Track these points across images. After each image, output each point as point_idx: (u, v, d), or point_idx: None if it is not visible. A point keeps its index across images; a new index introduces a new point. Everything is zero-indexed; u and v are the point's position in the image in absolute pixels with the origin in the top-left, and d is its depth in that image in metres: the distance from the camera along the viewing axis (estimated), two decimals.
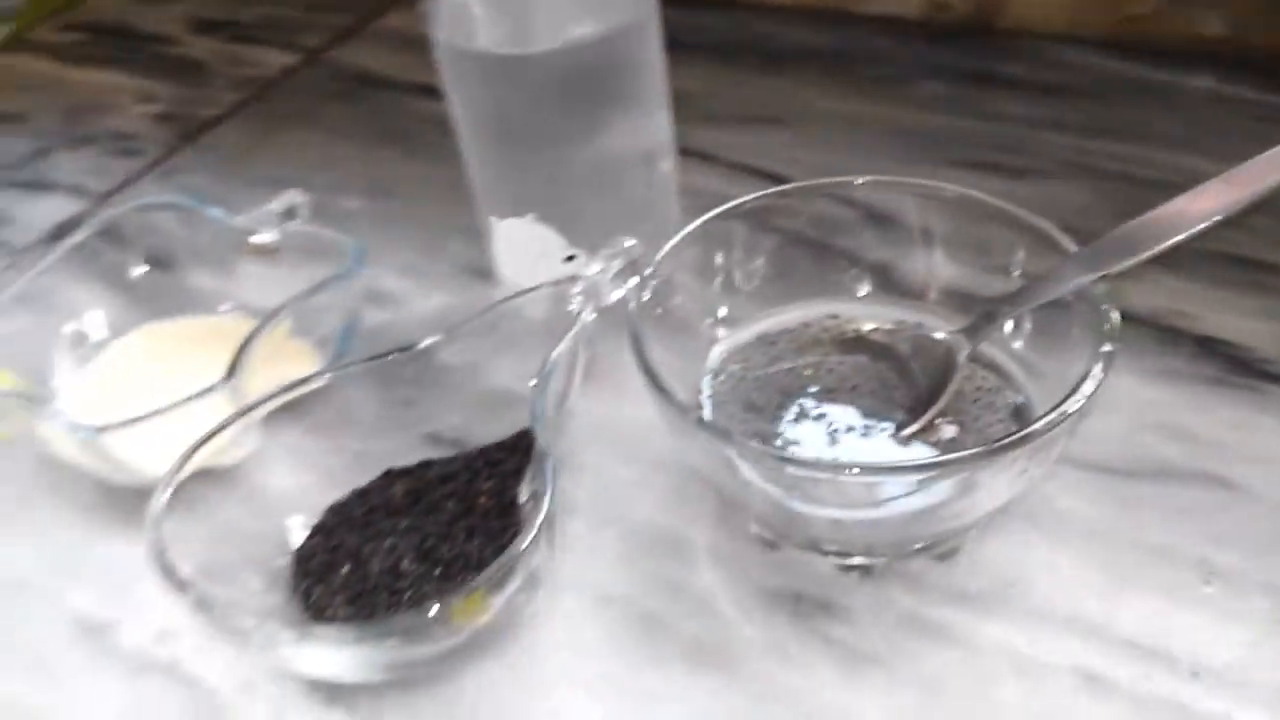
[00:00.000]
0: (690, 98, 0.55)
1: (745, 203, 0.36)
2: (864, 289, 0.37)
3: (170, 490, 0.30)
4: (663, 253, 0.34)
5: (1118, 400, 0.36)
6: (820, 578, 0.32)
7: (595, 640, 0.31)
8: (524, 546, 0.28)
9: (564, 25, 0.36)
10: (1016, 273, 0.33)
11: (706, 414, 0.33)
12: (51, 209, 0.53)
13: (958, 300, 0.35)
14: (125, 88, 0.64)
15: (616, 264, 0.36)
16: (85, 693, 0.31)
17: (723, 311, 0.36)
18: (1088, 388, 0.27)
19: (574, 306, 0.35)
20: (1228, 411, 0.35)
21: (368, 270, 0.45)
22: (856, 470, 0.28)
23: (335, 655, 0.28)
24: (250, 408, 0.33)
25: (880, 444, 0.32)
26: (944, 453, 0.31)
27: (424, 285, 0.45)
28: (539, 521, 0.28)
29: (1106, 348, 0.28)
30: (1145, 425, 0.35)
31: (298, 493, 0.34)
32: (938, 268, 0.35)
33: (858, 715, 0.28)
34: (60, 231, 0.51)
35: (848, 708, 0.29)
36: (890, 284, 0.36)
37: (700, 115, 0.54)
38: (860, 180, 0.36)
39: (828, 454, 0.31)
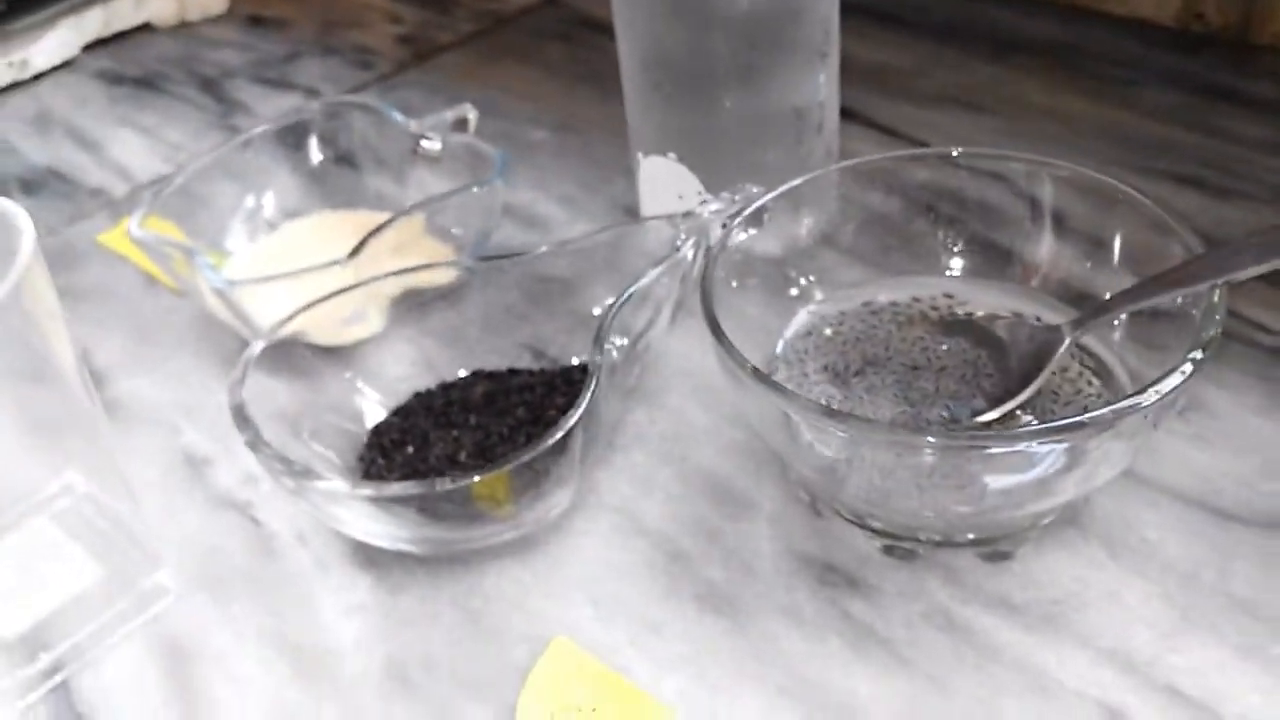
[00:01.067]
0: (896, 72, 0.54)
1: (873, 161, 0.35)
2: (987, 271, 0.35)
3: (265, 344, 0.33)
4: (768, 197, 0.34)
5: (1255, 442, 0.32)
6: (857, 554, 0.31)
7: (620, 565, 0.31)
8: (545, 446, 0.28)
9: None
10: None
11: (779, 368, 0.33)
12: (285, 105, 0.59)
13: (1076, 295, 0.33)
14: (379, 8, 0.69)
15: (732, 208, 0.36)
16: (174, 514, 0.35)
17: (825, 270, 0.35)
18: (1166, 384, 0.25)
19: (678, 242, 0.35)
20: None
21: (529, 195, 0.48)
22: (884, 429, 0.26)
23: (368, 517, 0.30)
24: (360, 284, 0.35)
25: (939, 426, 0.30)
26: None
27: (575, 215, 0.47)
28: (569, 426, 0.29)
29: (1198, 355, 0.25)
30: (1277, 474, 0.31)
31: (393, 378, 0.36)
32: (1066, 259, 0.33)
33: (848, 692, 0.27)
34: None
35: (841, 683, 0.28)
36: (1013, 269, 0.34)
37: (901, 91, 0.52)
38: (998, 153, 0.34)
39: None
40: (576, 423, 0.29)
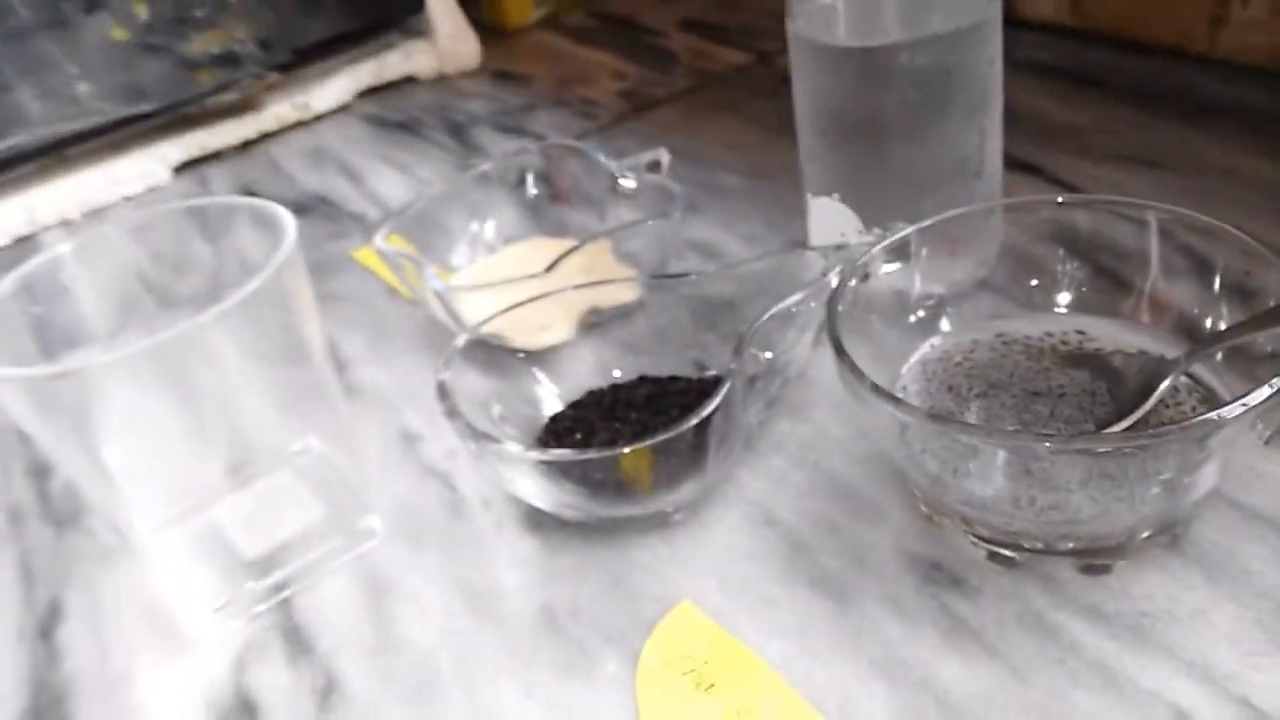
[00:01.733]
0: (1082, 131, 0.56)
1: (1016, 202, 0.38)
2: (1126, 311, 0.37)
3: (468, 338, 0.40)
4: (909, 230, 0.37)
5: None
6: (964, 558, 0.34)
7: (746, 548, 0.36)
8: (681, 430, 0.33)
9: (913, 21, 0.40)
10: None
11: (906, 385, 0.36)
12: (515, 149, 0.67)
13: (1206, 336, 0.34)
14: (607, 66, 0.77)
15: (881, 243, 0.39)
16: (388, 477, 0.42)
17: (964, 301, 0.38)
18: (1252, 398, 0.27)
19: (825, 271, 0.39)
20: None
21: (716, 232, 0.53)
22: (981, 434, 0.30)
23: (535, 482, 0.36)
24: (550, 293, 0.42)
25: None
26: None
27: (754, 251, 0.52)
28: (702, 417, 0.34)
29: None
30: None
31: (572, 378, 0.42)
32: (1198, 304, 0.35)
33: (934, 672, 0.30)
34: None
35: (929, 663, 0.31)
36: (1143, 310, 0.36)
37: (1078, 148, 0.54)
38: (1146, 204, 0.36)
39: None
40: (708, 416, 0.34)
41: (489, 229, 0.53)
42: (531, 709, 0.32)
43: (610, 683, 0.32)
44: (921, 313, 0.38)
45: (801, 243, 0.47)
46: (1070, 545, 0.32)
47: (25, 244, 0.67)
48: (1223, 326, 0.34)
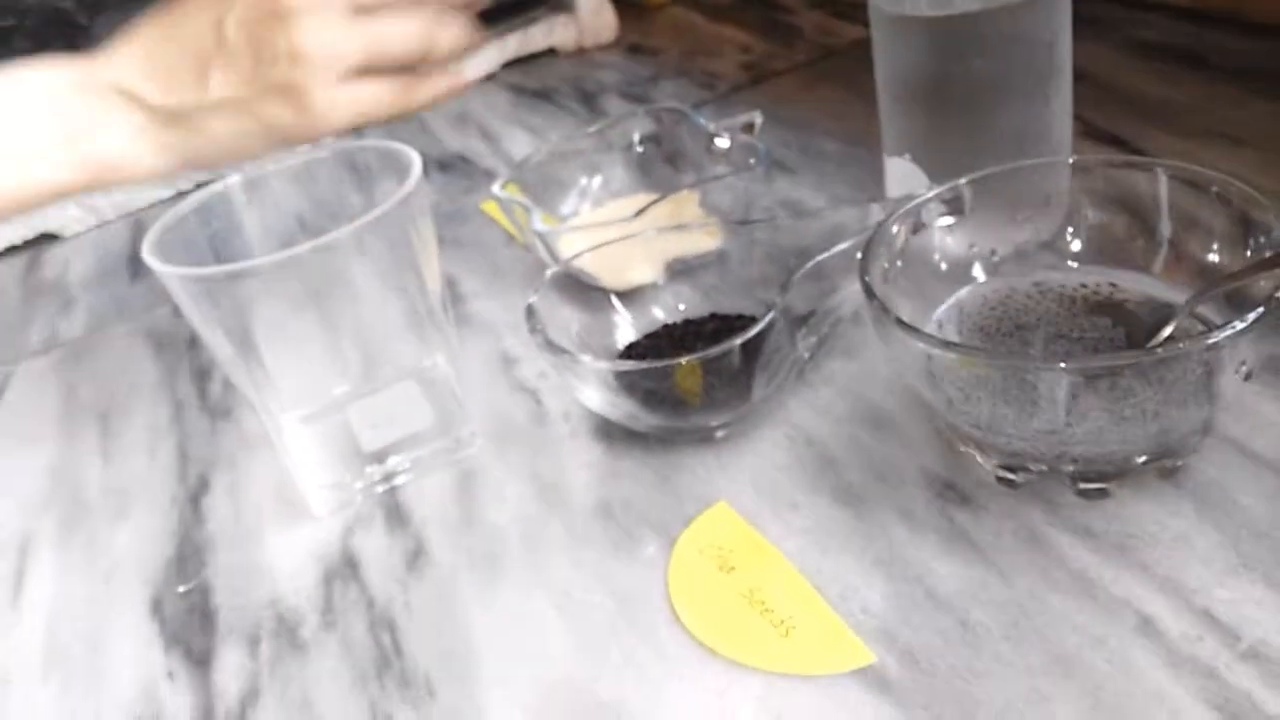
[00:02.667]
0: (1170, 107, 0.57)
1: (1073, 161, 0.41)
2: (1155, 265, 0.39)
3: (558, 270, 0.45)
4: (961, 182, 0.41)
5: None
6: (975, 479, 0.37)
7: (781, 462, 0.40)
8: (724, 349, 0.38)
9: None
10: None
11: (937, 321, 0.40)
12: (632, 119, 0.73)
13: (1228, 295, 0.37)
14: (735, 40, 0.82)
15: (934, 198, 0.43)
16: (487, 392, 0.48)
17: (1010, 252, 0.42)
18: (1228, 329, 0.30)
19: (878, 221, 0.43)
20: None
21: (808, 192, 0.57)
22: (980, 356, 0.33)
23: (602, 393, 0.41)
24: (633, 234, 0.47)
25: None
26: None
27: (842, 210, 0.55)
28: (744, 339, 0.38)
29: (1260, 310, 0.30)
30: None
31: (651, 314, 0.47)
32: (1210, 254, 0.37)
33: (930, 572, 0.34)
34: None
35: (926, 565, 0.35)
36: (1175, 264, 0.39)
37: (1169, 123, 0.56)
38: (1154, 161, 0.39)
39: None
40: (752, 340, 0.38)
41: (596, 184, 0.58)
42: (577, 577, 0.37)
43: (648, 562, 0.37)
44: (967, 262, 0.41)
45: (875, 197, 0.51)
46: (1070, 468, 0.35)
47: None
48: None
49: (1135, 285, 0.39)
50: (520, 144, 0.73)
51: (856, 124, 0.64)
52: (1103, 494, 0.35)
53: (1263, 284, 0.34)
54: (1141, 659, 0.30)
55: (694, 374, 0.39)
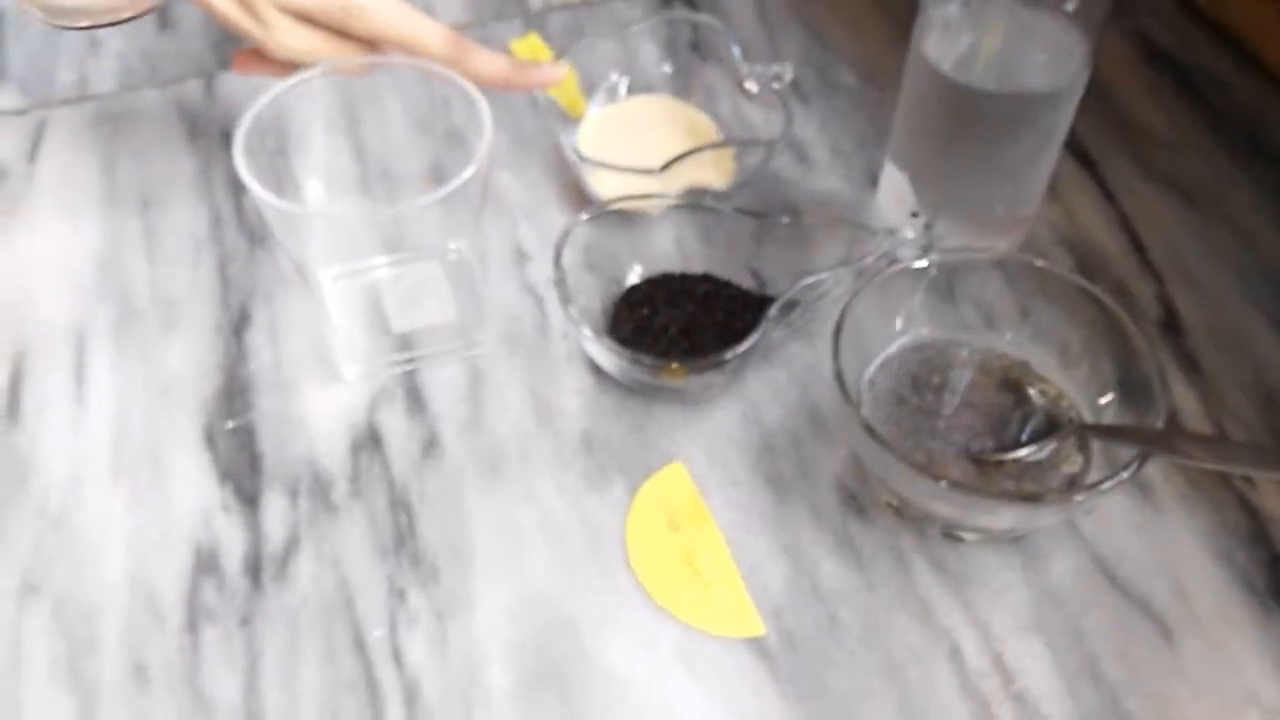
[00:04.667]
0: (1148, 136, 0.66)
1: (973, 254, 0.51)
2: (1068, 356, 0.51)
3: (588, 216, 0.54)
4: (932, 256, 0.51)
5: (1178, 548, 0.48)
6: (872, 497, 0.50)
7: (733, 437, 0.52)
8: (713, 362, 0.49)
9: (1012, 80, 0.51)
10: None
11: (883, 361, 0.51)
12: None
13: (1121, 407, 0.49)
14: None
15: (919, 240, 0.53)
16: (499, 287, 0.58)
17: (948, 314, 0.52)
18: (1079, 497, 0.42)
19: (868, 246, 0.53)
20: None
21: (813, 134, 0.65)
22: (884, 448, 0.45)
23: (603, 357, 0.52)
24: (657, 195, 0.56)
25: (954, 450, 0.48)
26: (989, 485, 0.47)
27: (832, 169, 0.64)
28: (735, 355, 0.49)
29: (1125, 475, 0.42)
30: (1183, 572, 0.48)
31: (656, 255, 0.57)
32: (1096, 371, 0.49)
33: (819, 568, 0.48)
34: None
35: (818, 561, 0.48)
36: (1090, 377, 0.50)
37: (1140, 155, 0.65)
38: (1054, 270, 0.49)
39: (916, 430, 0.49)
40: (736, 355, 0.49)
41: (623, 81, 0.65)
42: (560, 505, 0.50)
43: (614, 503, 0.50)
44: (919, 310, 0.52)
45: (862, 223, 0.60)
46: (939, 524, 0.48)
47: None
48: (1110, 398, 0.48)
49: (1049, 373, 0.51)
50: None
51: (874, 54, 0.71)
52: (959, 539, 0.49)
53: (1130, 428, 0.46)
54: (943, 680, 0.45)
55: (679, 371, 0.50)
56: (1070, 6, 0.48)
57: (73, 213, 0.62)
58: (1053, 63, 0.50)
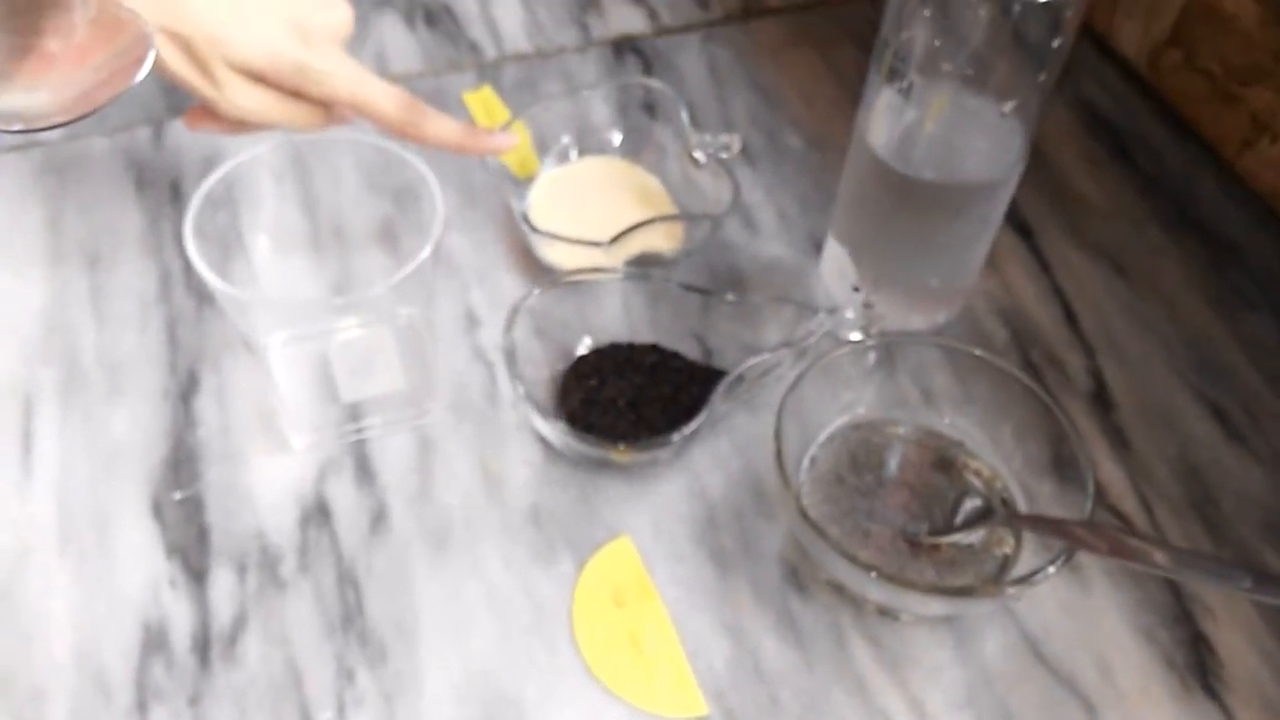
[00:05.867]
0: (1083, 205, 0.69)
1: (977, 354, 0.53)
2: (1001, 438, 0.53)
3: (539, 292, 0.55)
4: (870, 342, 0.52)
5: (1104, 632, 0.51)
6: (812, 574, 0.52)
7: (677, 509, 0.53)
8: (661, 444, 0.50)
9: (950, 170, 0.53)
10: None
11: (823, 439, 0.53)
12: (628, 15, 0.78)
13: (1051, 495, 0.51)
14: None
15: (858, 322, 0.55)
16: (449, 352, 0.59)
17: (890, 395, 0.54)
18: (1010, 590, 0.44)
19: (812, 328, 0.54)
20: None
21: (760, 196, 0.67)
22: (821, 539, 0.47)
23: (551, 434, 0.53)
24: (604, 269, 0.57)
25: (891, 531, 0.50)
26: (930, 566, 0.49)
27: (779, 234, 0.65)
28: (683, 435, 0.50)
29: (1051, 570, 0.44)
30: (1108, 648, 0.50)
31: (605, 321, 0.58)
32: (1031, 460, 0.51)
33: (760, 646, 0.49)
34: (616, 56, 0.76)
35: (759, 639, 0.49)
36: (1024, 466, 0.52)
37: (1074, 224, 0.67)
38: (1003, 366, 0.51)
39: (854, 510, 0.50)
40: (683, 435, 0.50)
41: (571, 141, 0.66)
42: (508, 578, 0.51)
43: (561, 577, 0.51)
44: (860, 389, 0.54)
45: (820, 248, 0.62)
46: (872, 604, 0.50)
47: None
48: (1042, 480, 0.50)
49: (984, 453, 0.53)
50: (511, 13, 0.78)
51: (821, 116, 0.73)
52: (895, 617, 0.50)
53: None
54: None
55: (624, 453, 0.51)
56: (1008, 107, 0.50)
57: (17, 268, 0.61)
58: (991, 153, 0.52)
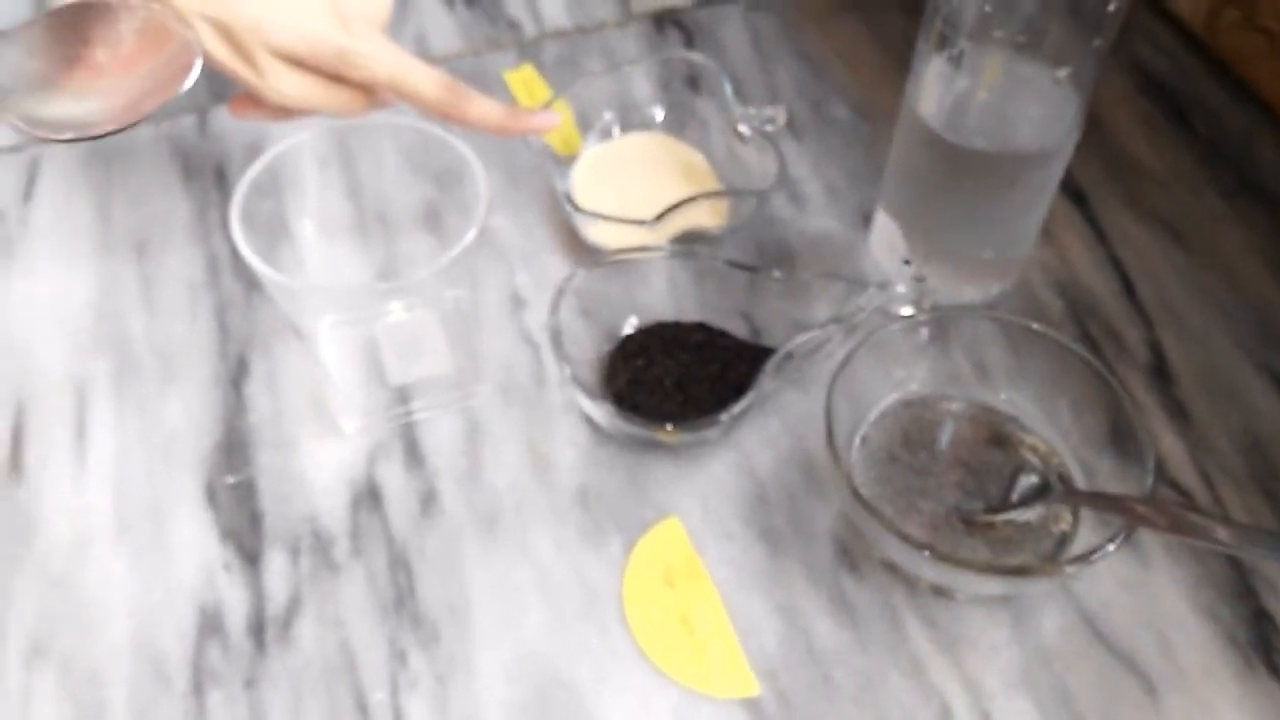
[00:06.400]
0: (1140, 171, 0.67)
1: (970, 310, 0.52)
2: (1058, 413, 0.52)
3: (586, 273, 0.54)
4: (923, 316, 0.51)
5: (1163, 609, 0.49)
6: (867, 554, 0.51)
7: (727, 488, 0.53)
8: (710, 423, 0.50)
9: (1003, 140, 0.51)
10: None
11: (876, 416, 0.52)
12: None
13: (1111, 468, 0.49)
14: None
15: (911, 295, 0.54)
16: (496, 335, 0.59)
17: (944, 369, 0.53)
18: (1038, 577, 0.43)
19: (861, 304, 0.53)
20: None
21: (806, 171, 0.66)
22: (875, 515, 0.46)
23: (598, 415, 0.52)
24: (650, 248, 0.56)
25: (946, 510, 0.49)
26: (985, 545, 0.48)
27: (827, 208, 0.64)
28: (731, 415, 0.50)
29: (1110, 548, 0.43)
30: (1168, 627, 0.49)
31: (650, 303, 0.57)
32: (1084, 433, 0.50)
33: (813, 626, 0.49)
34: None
35: (812, 618, 0.49)
36: (1081, 441, 0.51)
37: (1131, 192, 0.65)
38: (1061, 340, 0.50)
39: (907, 489, 0.50)
40: (732, 415, 0.50)
41: (615, 119, 0.65)
42: (558, 560, 0.51)
43: (610, 560, 0.51)
44: (912, 365, 0.53)
45: (854, 277, 0.60)
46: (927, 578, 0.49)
47: None
48: (1100, 454, 0.49)
49: (1040, 429, 0.52)
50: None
51: (867, 86, 0.71)
52: (950, 595, 0.50)
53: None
54: None
55: (673, 434, 0.51)
56: (1062, 74, 0.48)
57: (68, 258, 0.62)
58: (1044, 122, 0.51)
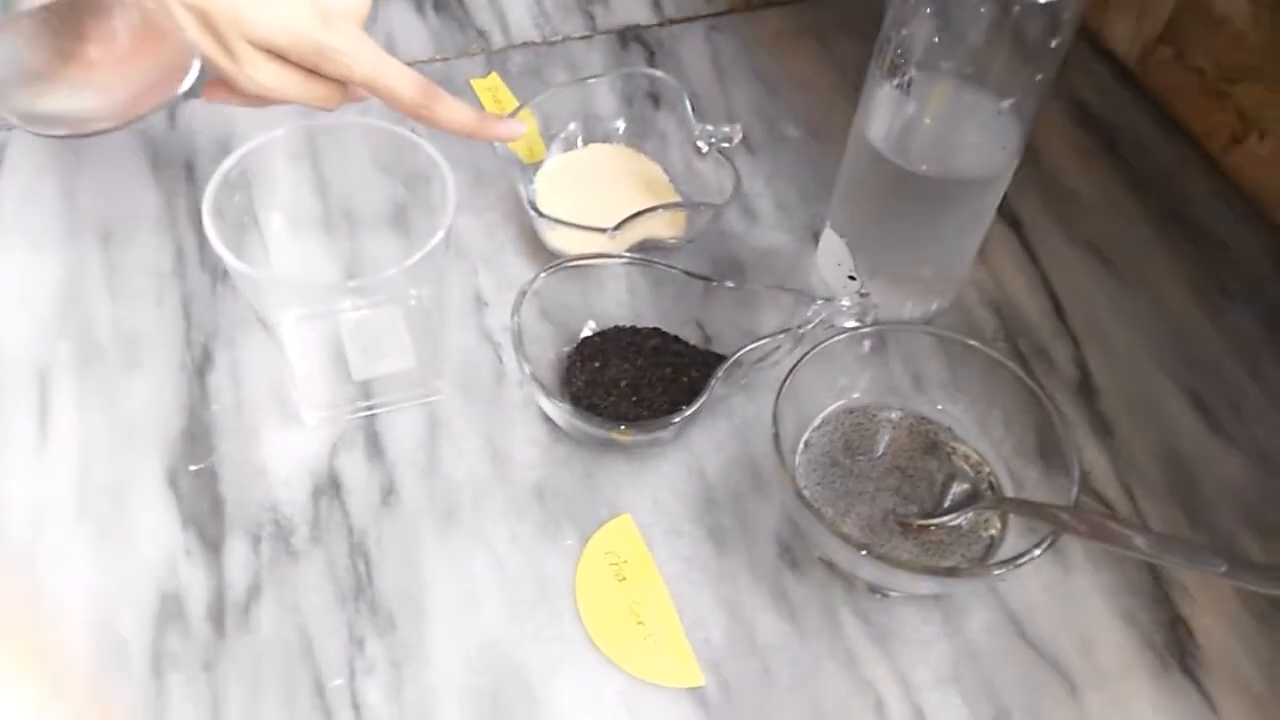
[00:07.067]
0: (1073, 200, 0.69)
1: (909, 326, 0.54)
2: (990, 424, 0.54)
3: (545, 274, 0.56)
4: (865, 329, 0.54)
5: (1084, 611, 0.52)
6: (806, 552, 0.53)
7: (677, 488, 0.54)
8: (663, 425, 0.51)
9: (947, 165, 0.53)
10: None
11: (817, 423, 0.54)
12: (630, 12, 0.79)
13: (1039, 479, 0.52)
14: None
15: (853, 310, 0.56)
16: (458, 333, 0.60)
17: (885, 381, 0.55)
18: (996, 571, 0.46)
19: (809, 315, 0.55)
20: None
21: (759, 186, 0.68)
22: (819, 519, 0.48)
23: (556, 414, 0.54)
24: (606, 255, 0.58)
25: (882, 513, 0.51)
26: (919, 547, 0.50)
27: (778, 225, 0.66)
28: (682, 418, 0.51)
29: (1036, 553, 0.46)
30: (1089, 629, 0.51)
31: (608, 308, 0.59)
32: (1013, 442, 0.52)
33: (755, 620, 0.50)
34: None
35: (755, 613, 0.51)
36: (1007, 433, 0.53)
37: (1065, 217, 0.68)
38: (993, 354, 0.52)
39: (847, 492, 0.52)
40: (684, 417, 0.52)
41: (578, 129, 0.67)
42: (514, 553, 0.52)
43: (565, 552, 0.52)
44: (854, 374, 0.55)
45: (799, 289, 0.62)
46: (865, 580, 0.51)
47: None
48: (1028, 465, 0.51)
49: (972, 439, 0.54)
50: (518, 1, 0.78)
51: (819, 109, 0.74)
52: (885, 594, 0.52)
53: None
54: None
55: (626, 434, 0.52)
56: (1005, 104, 0.51)
57: (33, 242, 0.62)
58: (986, 149, 0.53)
